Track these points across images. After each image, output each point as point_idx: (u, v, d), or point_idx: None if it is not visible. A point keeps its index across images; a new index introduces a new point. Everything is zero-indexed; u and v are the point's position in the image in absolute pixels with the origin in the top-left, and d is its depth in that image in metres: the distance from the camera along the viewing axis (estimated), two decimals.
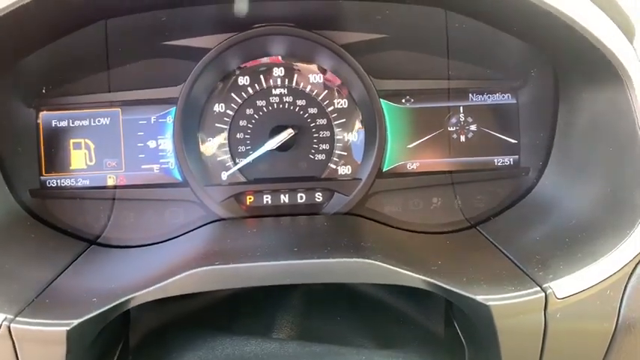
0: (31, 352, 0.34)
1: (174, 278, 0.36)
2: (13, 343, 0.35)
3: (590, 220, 0.40)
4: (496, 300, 0.35)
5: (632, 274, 0.36)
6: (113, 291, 0.37)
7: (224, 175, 0.50)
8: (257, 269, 0.36)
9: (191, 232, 0.47)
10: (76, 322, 0.35)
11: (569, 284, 0.36)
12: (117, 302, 0.35)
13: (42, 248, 0.44)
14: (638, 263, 0.36)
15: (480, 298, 0.35)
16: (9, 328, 0.35)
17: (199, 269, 0.36)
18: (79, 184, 0.49)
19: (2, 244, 0.41)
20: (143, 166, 0.50)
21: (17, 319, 0.35)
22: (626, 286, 0.36)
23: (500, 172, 0.51)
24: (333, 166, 0.50)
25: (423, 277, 0.36)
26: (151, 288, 0.35)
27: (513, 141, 0.50)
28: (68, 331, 0.34)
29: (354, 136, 0.51)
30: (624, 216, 0.37)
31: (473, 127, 0.51)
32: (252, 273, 0.36)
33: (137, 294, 0.36)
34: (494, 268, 0.40)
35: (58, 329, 0.35)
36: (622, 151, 0.39)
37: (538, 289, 0.36)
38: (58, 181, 0.49)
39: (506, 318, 0.35)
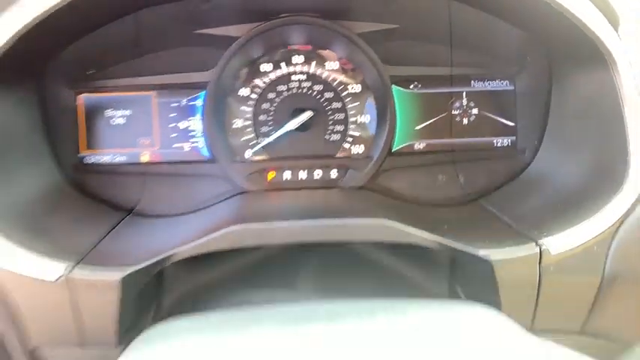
0: (87, 299, 0.39)
1: (214, 234, 0.40)
2: (72, 291, 0.39)
3: (580, 188, 0.45)
4: (496, 255, 0.40)
5: (615, 233, 0.41)
6: (156, 248, 0.41)
7: (248, 153, 0.54)
8: (287, 226, 0.41)
9: (220, 203, 0.51)
10: (128, 270, 0.39)
11: (560, 242, 0.41)
12: (163, 256, 0.40)
13: (85, 216, 0.48)
14: (621, 224, 0.41)
15: (482, 253, 0.40)
16: (67, 278, 0.39)
17: (237, 226, 0.40)
18: (116, 160, 0.54)
19: (51, 210, 0.46)
20: (174, 145, 0.54)
21: (74, 270, 0.40)
22: (610, 244, 0.41)
23: (498, 152, 0.56)
24: (347, 146, 0.55)
25: (433, 236, 0.41)
26: (193, 243, 0.40)
27: (511, 124, 0.55)
28: (122, 278, 0.39)
29: (367, 118, 0.55)
30: (609, 183, 0.42)
31: (474, 111, 0.56)
32: (282, 230, 0.41)
33: (180, 249, 0.40)
34: (494, 230, 0.45)
35: (112, 277, 0.39)
36: (609, 127, 0.44)
37: (534, 245, 0.41)
38: (96, 157, 0.54)
39: (506, 271, 0.40)
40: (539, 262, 0.41)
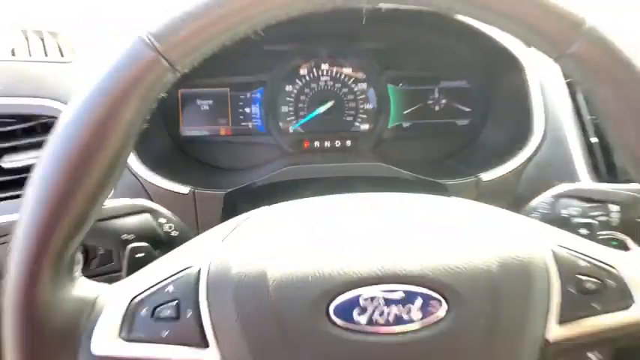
0: (203, 208, 0.63)
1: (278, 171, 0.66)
2: (195, 201, 0.63)
3: (505, 146, 0.70)
4: (449, 182, 0.66)
5: (523, 169, 0.66)
6: (240, 180, 0.67)
7: (291, 129, 0.80)
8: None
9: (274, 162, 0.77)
10: (229, 190, 0.64)
11: (490, 175, 0.66)
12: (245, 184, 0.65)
13: (188, 166, 0.73)
14: (527, 163, 0.66)
15: (440, 181, 0.66)
16: (194, 192, 0.64)
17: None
18: (203, 134, 0.79)
19: (171, 161, 0.71)
20: (242, 124, 0.80)
21: (196, 190, 0.64)
22: (520, 175, 0.66)
23: (460, 129, 0.81)
24: (357, 124, 0.80)
25: (410, 174, 0.66)
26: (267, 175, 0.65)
27: (467, 109, 0.80)
28: (225, 195, 0.64)
29: (370, 106, 0.80)
30: (521, 141, 0.68)
31: (443, 101, 0.80)
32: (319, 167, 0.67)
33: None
34: (452, 172, 0.70)
35: (219, 193, 0.64)
36: (523, 109, 0.69)
37: (474, 177, 0.66)
38: (191, 131, 0.79)
39: (455, 193, 0.65)
40: (477, 188, 0.66)
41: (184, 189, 0.62)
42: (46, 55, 0.67)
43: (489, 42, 0.68)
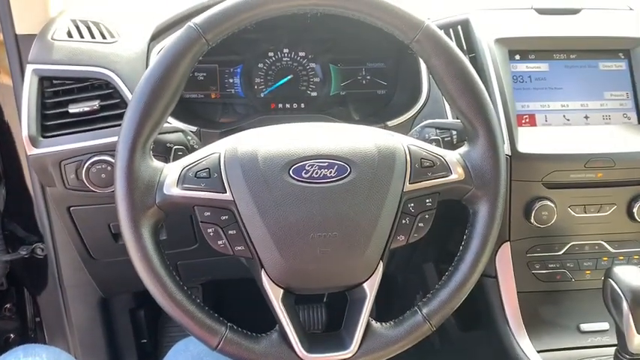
0: (207, 142, 0.95)
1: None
2: (200, 139, 0.94)
3: (405, 104, 1.03)
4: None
5: (414, 119, 1.00)
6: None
7: (262, 95, 1.07)
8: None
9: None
10: (223, 130, 0.96)
11: (393, 122, 0.99)
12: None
13: (193, 118, 1.04)
14: (416, 116, 1.00)
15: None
16: (200, 130, 0.94)
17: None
18: (199, 96, 1.09)
19: (177, 116, 1.01)
20: (227, 90, 1.09)
21: (201, 129, 0.95)
22: (412, 123, 1.00)
23: (379, 97, 1.09)
24: (309, 92, 1.04)
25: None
26: None
27: (384, 83, 1.13)
28: (219, 133, 0.95)
29: (318, 79, 1.08)
30: (414, 100, 1.02)
31: (368, 77, 1.06)
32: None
33: None
34: (372, 122, 1.03)
35: (217, 132, 0.95)
36: (417, 83, 1.03)
37: (383, 124, 0.98)
38: (190, 95, 1.08)
39: None
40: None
41: (193, 127, 0.93)
42: (92, 37, 0.96)
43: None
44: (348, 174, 0.68)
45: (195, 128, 0.88)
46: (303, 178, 0.67)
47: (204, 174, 0.67)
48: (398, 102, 1.08)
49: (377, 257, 0.69)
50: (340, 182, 0.68)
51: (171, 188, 0.67)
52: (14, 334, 1.35)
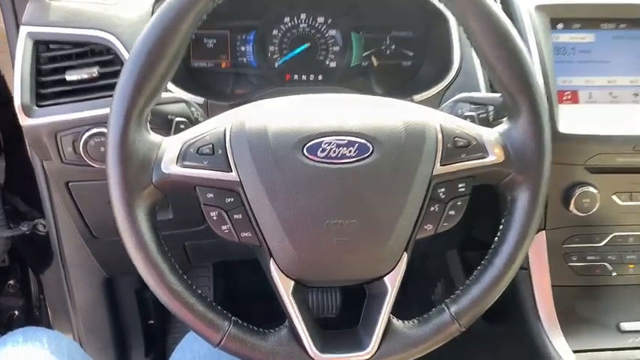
0: (214, 114, 0.87)
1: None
2: (208, 112, 0.87)
3: (434, 76, 0.94)
4: None
5: (443, 93, 0.91)
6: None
7: (276, 65, 1.00)
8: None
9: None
10: (232, 102, 0.88)
11: (420, 96, 0.90)
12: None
13: (201, 89, 0.96)
14: (445, 90, 0.91)
15: None
16: (207, 102, 0.87)
17: None
18: (208, 65, 1.01)
19: (184, 86, 0.94)
20: (239, 59, 1.01)
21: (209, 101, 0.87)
22: (441, 98, 0.91)
23: (405, 68, 1.04)
24: (327, 62, 0.97)
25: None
26: None
27: (410, 53, 1.04)
28: (229, 105, 0.87)
29: (337, 48, 1.00)
30: (444, 73, 0.92)
31: (393, 47, 1.02)
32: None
33: None
34: (395, 96, 0.94)
35: (226, 104, 0.87)
36: (447, 54, 0.93)
37: (409, 98, 0.89)
38: (199, 63, 0.99)
39: None
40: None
41: (200, 99, 0.85)
42: None
43: (428, 2, 0.92)
44: (371, 154, 0.60)
45: (203, 100, 0.80)
46: (319, 157, 0.59)
47: (207, 150, 0.60)
48: (425, 74, 0.98)
49: (400, 248, 0.61)
50: (361, 163, 0.60)
51: (170, 166, 0.60)
52: (19, 311, 1.31)
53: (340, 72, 0.97)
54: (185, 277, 0.62)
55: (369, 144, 0.60)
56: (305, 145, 0.60)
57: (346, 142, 0.60)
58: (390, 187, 0.60)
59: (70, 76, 0.83)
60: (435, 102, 0.88)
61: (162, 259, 0.60)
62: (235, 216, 0.60)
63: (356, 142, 0.60)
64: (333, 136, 0.60)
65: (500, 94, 0.62)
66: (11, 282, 1.28)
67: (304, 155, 0.60)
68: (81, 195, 0.92)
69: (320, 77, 1.01)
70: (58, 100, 0.84)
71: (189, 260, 1.15)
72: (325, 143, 0.60)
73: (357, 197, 0.60)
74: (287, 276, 0.61)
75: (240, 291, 1.38)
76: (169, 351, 0.81)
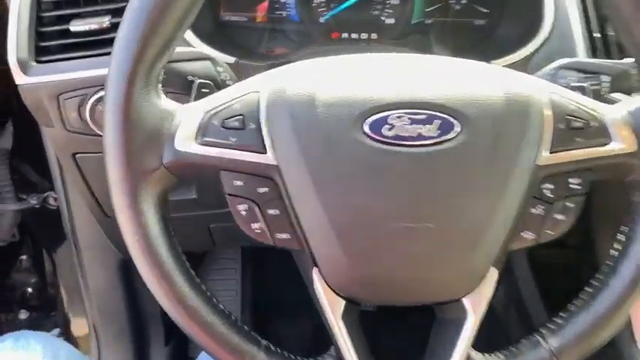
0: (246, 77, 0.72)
1: None
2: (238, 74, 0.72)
3: (515, 43, 0.77)
4: None
5: (530, 58, 0.73)
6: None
7: (322, 20, 0.85)
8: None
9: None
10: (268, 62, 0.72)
11: (500, 62, 0.73)
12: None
13: (231, 47, 0.81)
14: (533, 55, 0.73)
15: None
16: (238, 62, 0.72)
17: None
18: (241, 19, 0.85)
19: (212, 42, 0.78)
20: (277, 12, 0.86)
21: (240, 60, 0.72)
22: (527, 65, 0.73)
23: (476, 28, 0.87)
24: (383, 19, 0.84)
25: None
26: None
27: (485, 10, 0.86)
28: (264, 66, 0.72)
29: (396, 2, 0.85)
30: (532, 35, 0.74)
31: (463, 1, 0.87)
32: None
33: None
34: None
35: (261, 64, 0.72)
36: (535, 11, 0.75)
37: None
38: (230, 17, 0.84)
39: None
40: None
41: (230, 59, 0.70)
42: None
43: None
44: (457, 134, 0.44)
45: (233, 59, 0.65)
46: (385, 137, 0.44)
47: (236, 123, 0.45)
48: (504, 35, 0.81)
49: (488, 262, 0.46)
50: (442, 147, 0.44)
51: (187, 142, 0.45)
52: (32, 288, 1.20)
53: (398, 31, 0.86)
54: (203, 287, 0.48)
55: (454, 120, 0.44)
56: (366, 119, 0.44)
57: (424, 117, 0.44)
58: (480, 180, 0.45)
59: (76, 27, 0.69)
60: (520, 70, 0.70)
61: (174, 263, 0.46)
62: (270, 211, 0.46)
63: (436, 116, 0.44)
64: (404, 108, 0.44)
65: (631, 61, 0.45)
66: (23, 257, 1.17)
67: (365, 134, 0.44)
68: (90, 169, 0.79)
69: (374, 36, 0.85)
70: (60, 56, 0.70)
71: (213, 242, 1.02)
72: (394, 118, 0.44)
73: (434, 193, 0.44)
74: (336, 293, 0.47)
75: (271, 277, 1.24)
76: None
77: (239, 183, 0.46)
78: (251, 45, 0.83)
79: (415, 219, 0.43)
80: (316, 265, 0.47)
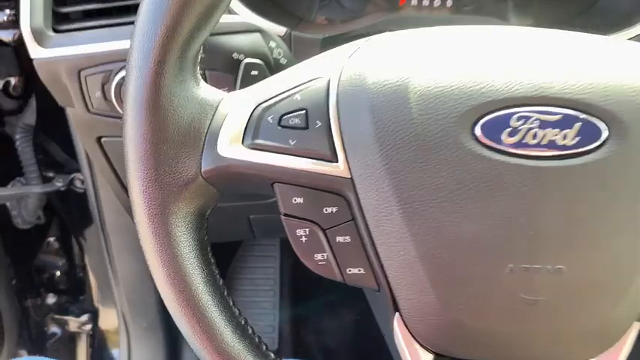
0: (299, 52, 0.60)
1: None
2: (291, 47, 0.60)
3: (625, 15, 0.62)
4: None
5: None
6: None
7: None
8: None
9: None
10: (326, 35, 0.60)
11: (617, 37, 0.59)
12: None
13: (284, 15, 0.68)
14: None
15: None
16: (290, 34, 0.60)
17: None
18: None
19: (262, 11, 0.66)
20: None
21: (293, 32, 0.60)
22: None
23: None
24: None
25: None
26: None
27: None
28: (322, 39, 0.59)
29: None
30: None
31: None
32: None
33: None
34: None
35: (317, 37, 0.60)
36: None
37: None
38: None
39: None
40: None
41: (280, 30, 0.58)
42: None
43: None
44: (603, 142, 0.32)
45: (285, 30, 0.53)
46: (505, 144, 0.32)
47: (297, 121, 0.34)
48: (611, 5, 0.67)
49: (632, 315, 0.34)
50: (584, 159, 0.32)
51: (233, 145, 0.34)
52: (60, 271, 1.14)
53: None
54: (249, 329, 0.37)
55: (600, 124, 0.32)
56: (478, 120, 0.32)
57: (559, 117, 0.32)
58: (633, 206, 0.32)
59: None
60: None
61: (212, 304, 0.35)
62: (339, 238, 0.35)
63: (577, 118, 0.32)
64: (533, 105, 0.32)
65: None
66: (51, 239, 1.10)
67: (476, 139, 0.32)
68: (117, 153, 0.69)
69: (448, 3, 0.71)
70: (81, 24, 0.60)
71: (254, 234, 0.93)
72: (517, 119, 0.32)
73: (570, 223, 0.32)
74: (422, 346, 0.35)
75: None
76: None
77: (299, 200, 0.35)
78: (304, 12, 0.71)
79: (543, 259, 0.32)
80: (397, 310, 0.36)
